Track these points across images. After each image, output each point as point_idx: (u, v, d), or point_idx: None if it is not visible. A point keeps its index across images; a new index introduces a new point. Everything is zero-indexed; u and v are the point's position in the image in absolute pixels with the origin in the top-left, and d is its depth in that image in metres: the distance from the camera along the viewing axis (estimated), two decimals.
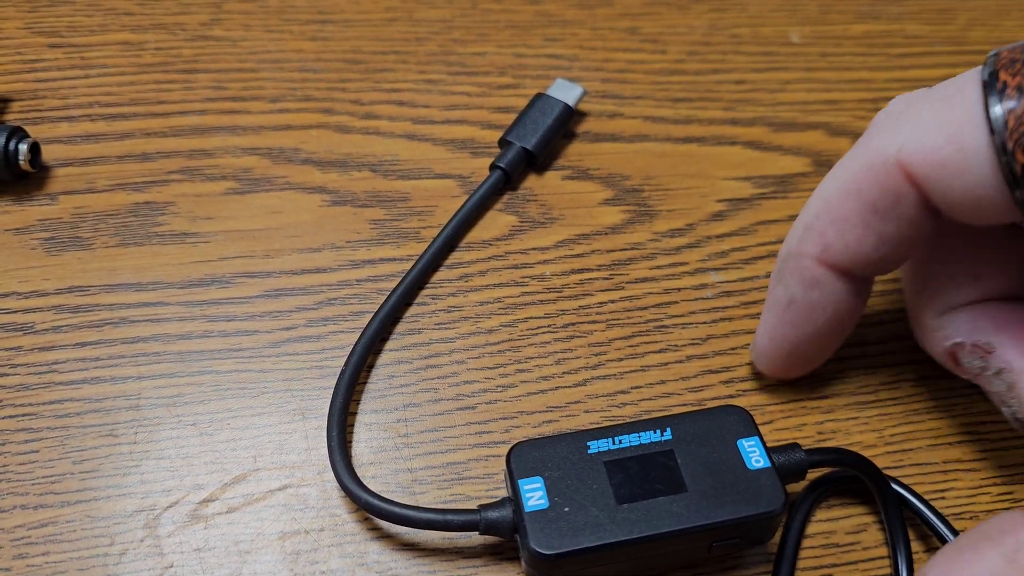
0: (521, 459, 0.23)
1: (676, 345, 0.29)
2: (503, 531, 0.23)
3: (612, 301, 0.30)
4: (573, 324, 0.29)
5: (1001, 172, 0.20)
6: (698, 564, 0.25)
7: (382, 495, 0.24)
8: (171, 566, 0.24)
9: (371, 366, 0.28)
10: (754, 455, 0.23)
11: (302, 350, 0.28)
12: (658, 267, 0.30)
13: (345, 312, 0.29)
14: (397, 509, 0.23)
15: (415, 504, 0.25)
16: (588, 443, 0.24)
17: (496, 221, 0.31)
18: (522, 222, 0.31)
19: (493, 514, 0.23)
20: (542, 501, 0.23)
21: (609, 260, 0.31)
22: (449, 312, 0.29)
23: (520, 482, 0.23)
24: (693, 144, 0.34)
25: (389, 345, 0.28)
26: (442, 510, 0.24)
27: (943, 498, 0.26)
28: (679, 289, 0.30)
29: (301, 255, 0.30)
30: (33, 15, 0.36)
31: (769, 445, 0.25)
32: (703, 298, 0.30)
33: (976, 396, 0.28)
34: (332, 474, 0.25)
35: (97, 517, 0.24)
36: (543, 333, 0.29)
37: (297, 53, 0.36)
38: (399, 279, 0.29)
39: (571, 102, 0.34)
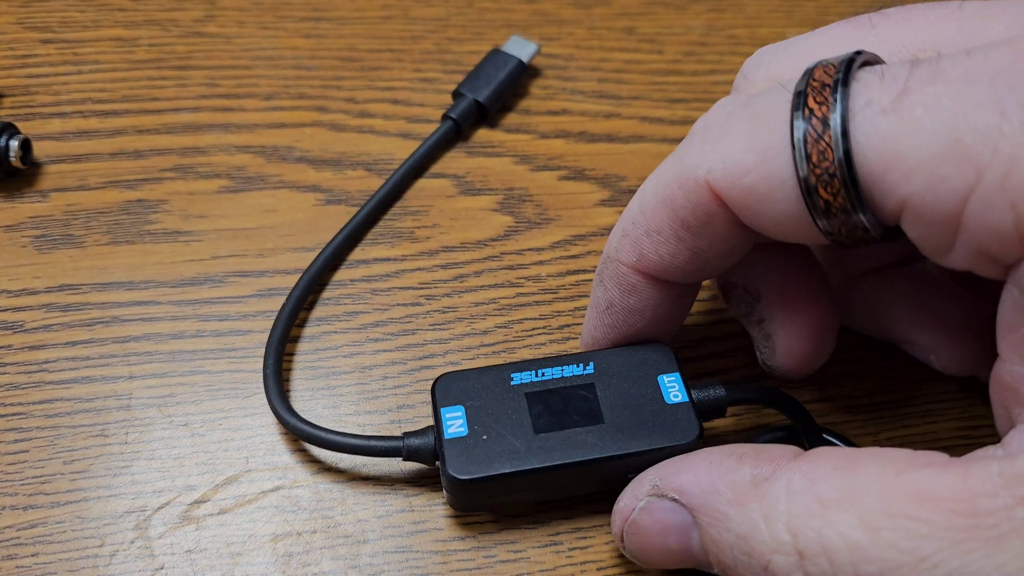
0: (445, 389, 0.24)
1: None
2: (424, 457, 0.24)
3: None
4: (568, 326, 0.29)
5: (805, 204, 0.19)
6: None
7: (309, 420, 0.25)
8: (162, 568, 0.24)
9: (365, 366, 0.28)
10: (673, 390, 0.24)
11: (295, 350, 0.28)
12: None
13: (339, 312, 0.29)
14: (323, 434, 0.24)
15: (342, 431, 0.25)
16: (512, 375, 0.24)
17: (491, 221, 0.31)
18: (517, 223, 0.31)
19: (416, 441, 0.24)
20: (462, 429, 0.23)
21: None
22: (444, 312, 0.29)
23: (442, 410, 0.24)
24: None
25: (383, 345, 0.28)
26: (367, 436, 0.24)
27: None
28: None
29: (295, 254, 0.30)
30: (25, 10, 0.36)
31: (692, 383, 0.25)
32: (698, 300, 0.30)
33: (971, 400, 0.28)
34: (325, 476, 0.25)
35: (87, 518, 0.24)
36: (538, 335, 0.29)
37: (291, 50, 0.36)
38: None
39: (525, 58, 0.35)
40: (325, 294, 0.29)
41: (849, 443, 0.26)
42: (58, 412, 0.26)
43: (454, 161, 0.33)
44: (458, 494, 0.23)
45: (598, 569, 0.24)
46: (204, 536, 0.24)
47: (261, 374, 0.27)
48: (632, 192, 0.32)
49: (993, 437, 0.27)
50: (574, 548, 0.25)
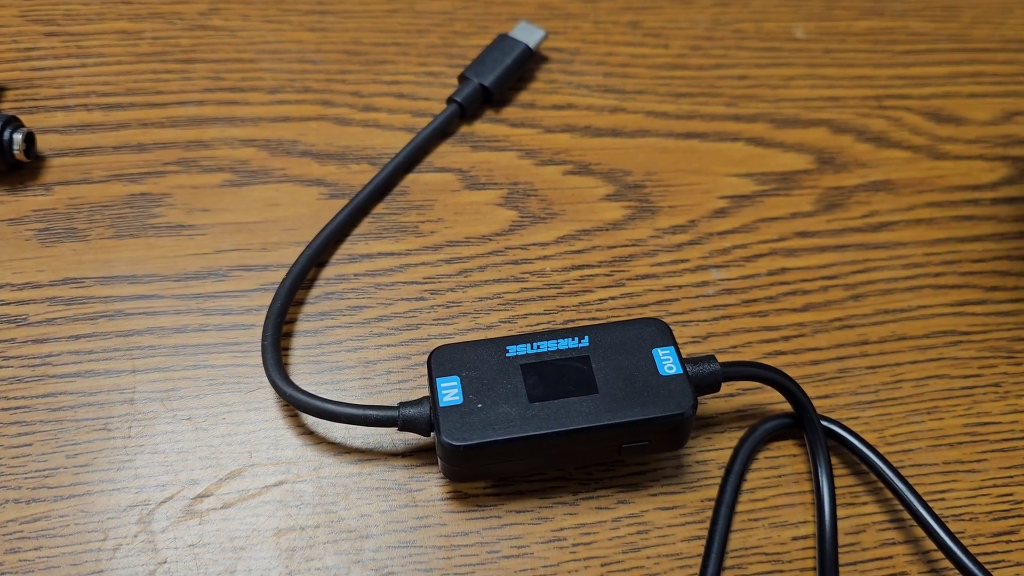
0: (441, 360, 0.24)
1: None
2: (420, 427, 0.24)
3: (613, 298, 0.29)
4: (573, 321, 0.29)
5: None
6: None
7: (307, 390, 0.25)
8: (165, 562, 0.23)
9: (369, 361, 0.27)
10: (667, 363, 0.24)
11: (299, 345, 0.28)
12: (659, 264, 0.30)
13: (342, 307, 0.29)
14: (320, 403, 0.24)
15: (338, 400, 0.25)
16: (507, 347, 0.25)
17: (496, 216, 0.31)
18: (522, 217, 0.31)
19: (411, 411, 0.24)
20: (456, 398, 0.23)
21: (610, 256, 0.30)
22: (448, 308, 0.29)
23: (437, 380, 0.24)
24: (695, 140, 0.34)
25: (387, 340, 0.28)
26: (362, 405, 0.24)
27: (943, 499, 0.26)
28: (680, 286, 0.30)
29: (298, 248, 0.29)
30: (29, 2, 0.36)
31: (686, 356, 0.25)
32: (704, 295, 0.30)
33: (977, 396, 0.28)
34: (329, 470, 0.25)
35: (91, 512, 0.24)
36: (542, 330, 0.28)
37: (296, 44, 0.35)
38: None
39: (532, 44, 0.35)
40: (328, 288, 0.29)
41: (849, 431, 0.26)
42: (61, 406, 0.26)
43: (459, 155, 0.33)
44: (452, 462, 0.23)
45: (602, 564, 0.24)
46: (207, 530, 0.24)
47: (263, 368, 0.27)
48: (637, 186, 0.32)
49: (998, 435, 0.27)
50: (578, 544, 0.25)
